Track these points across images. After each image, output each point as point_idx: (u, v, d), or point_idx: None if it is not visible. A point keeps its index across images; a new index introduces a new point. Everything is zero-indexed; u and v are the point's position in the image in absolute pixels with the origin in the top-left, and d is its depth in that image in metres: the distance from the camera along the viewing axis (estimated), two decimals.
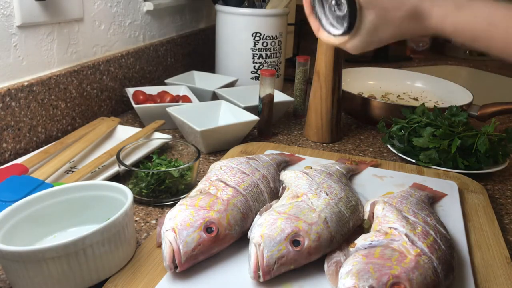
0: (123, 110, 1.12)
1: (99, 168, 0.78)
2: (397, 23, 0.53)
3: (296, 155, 0.84)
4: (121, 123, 0.96)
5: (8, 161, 0.79)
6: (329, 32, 0.60)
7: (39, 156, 0.77)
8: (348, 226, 0.58)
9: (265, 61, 1.24)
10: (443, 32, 0.51)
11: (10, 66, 0.81)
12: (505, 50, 0.46)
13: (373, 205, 0.62)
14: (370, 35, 0.55)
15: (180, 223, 0.54)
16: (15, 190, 0.65)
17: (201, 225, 0.54)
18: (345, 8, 0.56)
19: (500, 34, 0.45)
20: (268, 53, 1.23)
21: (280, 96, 1.06)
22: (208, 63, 1.50)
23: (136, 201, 0.71)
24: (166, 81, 1.17)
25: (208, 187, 0.62)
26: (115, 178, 0.73)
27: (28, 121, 0.84)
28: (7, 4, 0.78)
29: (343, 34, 0.58)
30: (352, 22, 0.56)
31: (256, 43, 1.21)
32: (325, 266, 0.54)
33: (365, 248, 0.52)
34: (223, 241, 0.56)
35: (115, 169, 0.75)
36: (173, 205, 0.63)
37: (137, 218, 0.68)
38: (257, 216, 0.59)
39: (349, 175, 0.77)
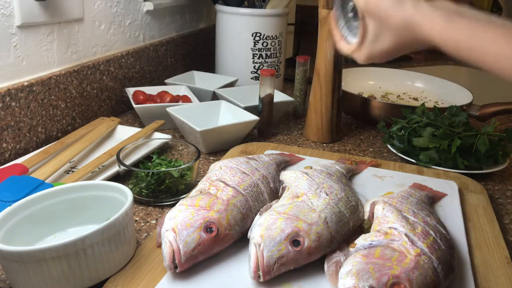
0: (123, 110, 1.12)
1: (99, 168, 0.78)
2: (394, 33, 0.55)
3: (296, 155, 0.84)
4: (121, 123, 0.96)
5: (8, 161, 0.79)
6: (347, 41, 0.62)
7: (39, 156, 0.77)
8: (348, 226, 0.58)
9: (265, 61, 1.24)
10: (433, 43, 0.52)
11: (10, 66, 0.81)
12: (495, 67, 0.46)
13: (373, 205, 0.62)
14: (373, 44, 0.57)
15: (180, 223, 0.54)
16: (15, 190, 0.65)
17: (201, 225, 0.54)
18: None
19: (490, 51, 0.46)
20: (268, 53, 1.23)
21: (280, 96, 1.06)
22: (208, 63, 1.50)
23: (136, 201, 0.71)
24: (166, 81, 1.17)
25: (208, 187, 0.62)
26: (115, 178, 0.73)
27: (28, 121, 0.84)
28: (7, 4, 0.78)
29: (356, 43, 0.59)
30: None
31: (256, 43, 1.21)
32: (325, 266, 0.54)
33: (365, 248, 0.52)
34: (223, 241, 0.56)
35: (115, 169, 0.75)
36: (173, 205, 0.63)
37: (137, 218, 0.68)
38: (257, 216, 0.59)
39: (349, 175, 0.77)
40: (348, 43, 0.61)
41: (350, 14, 0.61)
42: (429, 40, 0.52)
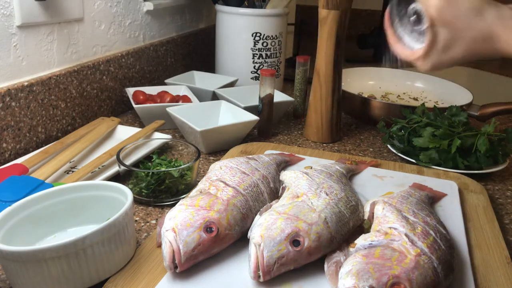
0: (123, 110, 1.12)
1: (99, 168, 0.78)
2: (469, 43, 0.53)
3: (296, 155, 0.84)
4: (121, 123, 0.96)
5: (8, 161, 0.79)
6: (408, 45, 0.59)
7: (39, 156, 0.77)
8: (348, 226, 0.58)
9: (265, 61, 1.24)
10: (510, 55, 0.51)
11: (10, 66, 0.81)
12: None
13: (373, 205, 0.62)
14: (442, 53, 0.55)
15: (180, 223, 0.54)
16: (15, 190, 0.65)
17: (201, 225, 0.54)
18: (425, 23, 0.55)
19: None
20: (268, 53, 1.23)
21: (280, 96, 1.06)
22: (208, 63, 1.50)
23: (136, 201, 0.71)
24: (166, 81, 1.17)
25: (208, 187, 0.62)
26: (115, 178, 0.73)
27: (28, 121, 0.84)
28: (7, 4, 0.78)
29: (420, 50, 0.57)
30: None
31: (256, 43, 1.21)
32: (325, 266, 0.54)
33: (365, 248, 0.52)
34: (223, 241, 0.56)
35: (115, 169, 0.75)
36: (173, 205, 0.63)
37: (137, 218, 0.68)
38: (257, 216, 0.59)
39: (349, 175, 0.77)
40: (406, 48, 0.59)
41: (412, 18, 0.57)
42: (506, 53, 0.50)
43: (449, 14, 0.52)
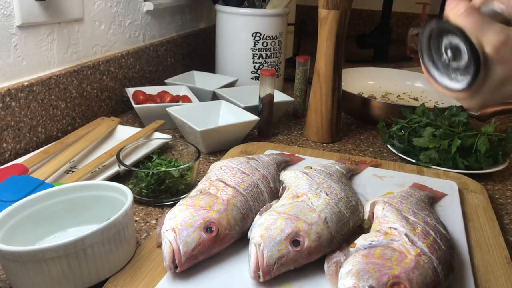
0: (123, 110, 1.12)
1: (99, 168, 0.78)
2: None
3: (296, 155, 0.84)
4: (121, 123, 0.96)
5: (8, 161, 0.79)
6: (444, 85, 0.50)
7: (39, 156, 0.77)
8: (348, 226, 0.58)
9: (265, 61, 1.24)
10: None
11: (10, 66, 0.81)
12: None
13: (373, 205, 0.62)
14: (495, 91, 0.48)
15: (180, 223, 0.54)
16: (15, 190, 0.65)
17: (201, 225, 0.54)
18: (465, 58, 0.47)
19: None
20: (268, 53, 1.23)
21: (280, 96, 1.06)
22: (208, 63, 1.50)
23: (136, 201, 0.71)
24: (166, 81, 1.17)
25: (208, 187, 0.62)
26: (115, 178, 0.73)
27: (28, 121, 0.84)
28: (7, 4, 0.78)
29: (464, 89, 0.48)
30: (475, 76, 0.46)
31: (256, 43, 1.21)
32: (325, 266, 0.54)
33: (365, 248, 0.52)
34: (223, 241, 0.56)
35: (115, 169, 0.75)
36: (173, 205, 0.63)
37: (137, 218, 0.68)
38: (257, 216, 0.59)
39: (349, 175, 0.77)
40: (444, 87, 0.50)
41: (447, 56, 0.49)
42: None
43: (510, 52, 0.45)
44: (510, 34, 0.44)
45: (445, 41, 0.48)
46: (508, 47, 0.45)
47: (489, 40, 0.45)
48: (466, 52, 0.46)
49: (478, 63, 0.46)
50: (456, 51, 0.48)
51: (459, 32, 0.45)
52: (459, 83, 0.48)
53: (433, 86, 0.52)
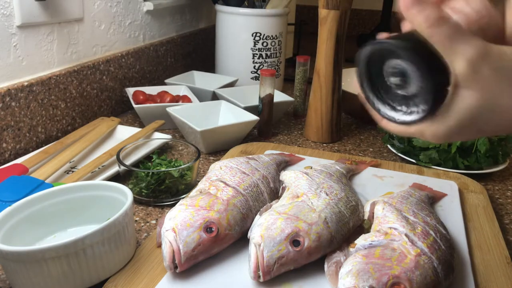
0: (123, 110, 1.12)
1: (99, 168, 0.78)
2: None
3: (296, 155, 0.84)
4: (121, 123, 0.96)
5: (8, 161, 0.79)
6: (389, 118, 0.41)
7: (39, 156, 0.77)
8: (348, 226, 0.58)
9: (265, 61, 1.24)
10: None
11: (10, 66, 0.81)
12: None
13: (373, 205, 0.62)
14: (464, 124, 0.36)
15: (180, 223, 0.54)
16: (15, 190, 0.65)
17: (201, 225, 0.54)
18: (413, 86, 0.37)
19: None
20: (268, 53, 1.23)
21: (280, 96, 1.06)
22: (208, 63, 1.50)
23: (136, 201, 0.71)
24: (166, 81, 1.17)
25: (208, 187, 0.62)
26: (115, 178, 0.73)
27: (28, 121, 0.84)
28: (7, 4, 0.78)
29: (417, 121, 0.38)
30: (434, 104, 0.37)
31: (256, 43, 1.21)
32: (325, 266, 0.54)
33: (365, 248, 0.52)
34: (223, 241, 0.56)
35: (115, 169, 0.75)
36: (173, 205, 0.63)
37: (137, 218, 0.68)
38: (257, 216, 0.59)
39: (349, 175, 0.76)
40: (390, 119, 0.41)
41: (393, 80, 0.39)
42: None
43: (488, 68, 0.34)
44: (487, 47, 0.34)
45: (389, 64, 0.39)
46: (489, 60, 0.34)
47: (465, 52, 0.34)
48: (417, 75, 0.37)
49: (435, 90, 0.36)
50: (403, 76, 0.38)
51: (407, 51, 0.36)
52: (412, 114, 0.39)
53: (379, 123, 0.44)
